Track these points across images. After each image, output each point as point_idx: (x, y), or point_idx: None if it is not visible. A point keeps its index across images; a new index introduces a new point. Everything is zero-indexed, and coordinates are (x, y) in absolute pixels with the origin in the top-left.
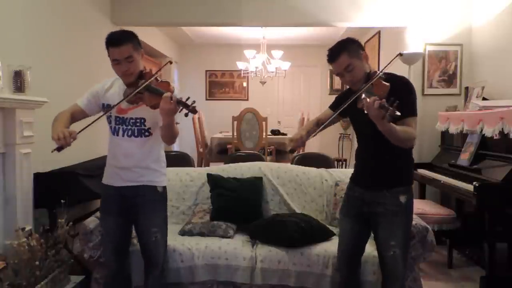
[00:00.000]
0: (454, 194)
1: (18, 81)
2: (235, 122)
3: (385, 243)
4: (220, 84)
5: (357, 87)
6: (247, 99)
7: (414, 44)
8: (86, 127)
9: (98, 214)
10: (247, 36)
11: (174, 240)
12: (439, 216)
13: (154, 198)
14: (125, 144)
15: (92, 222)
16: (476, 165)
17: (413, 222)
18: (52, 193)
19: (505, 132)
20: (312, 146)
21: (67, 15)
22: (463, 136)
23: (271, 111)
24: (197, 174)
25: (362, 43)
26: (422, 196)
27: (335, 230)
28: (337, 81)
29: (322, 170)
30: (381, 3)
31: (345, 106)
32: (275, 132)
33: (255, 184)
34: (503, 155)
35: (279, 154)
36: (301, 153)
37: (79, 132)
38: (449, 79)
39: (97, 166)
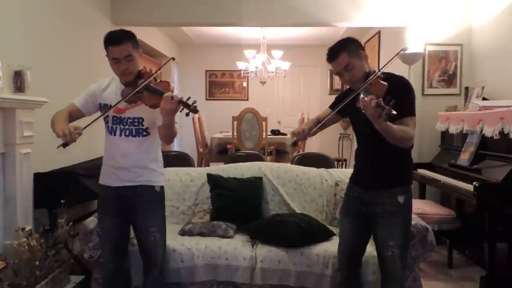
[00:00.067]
0: (454, 194)
1: (18, 81)
2: (235, 122)
3: (384, 243)
4: (220, 84)
5: (356, 87)
6: (247, 99)
7: (414, 44)
8: (91, 123)
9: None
10: (247, 36)
11: (174, 240)
12: (439, 216)
13: (152, 198)
14: (123, 144)
15: (92, 222)
16: (476, 165)
17: (413, 222)
18: (52, 193)
19: (505, 132)
20: (312, 146)
21: (67, 15)
22: (463, 136)
23: (271, 111)
24: (197, 174)
25: (362, 43)
26: (422, 196)
27: (335, 230)
28: (337, 81)
29: (322, 170)
30: (381, 3)
31: (343, 105)
32: (275, 132)
33: (255, 184)
34: (503, 155)
35: (279, 154)
36: (301, 153)
37: (84, 128)
38: (449, 79)
39: (97, 166)
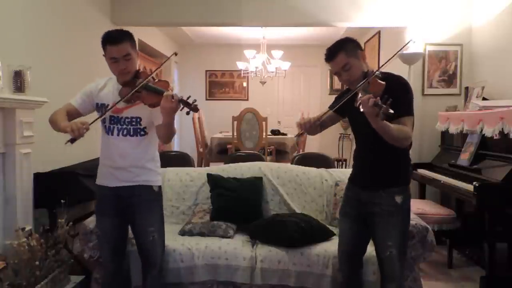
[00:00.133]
0: (454, 194)
1: (18, 81)
2: (235, 122)
3: (382, 243)
4: (220, 84)
5: (354, 86)
6: (247, 99)
7: (414, 44)
8: (97, 119)
9: None
10: (247, 36)
11: (174, 240)
12: (439, 216)
13: (150, 197)
14: (120, 143)
15: (92, 222)
16: (476, 165)
17: (413, 222)
18: (52, 193)
19: (505, 132)
20: (312, 146)
21: (67, 15)
22: (463, 136)
23: (271, 111)
24: (197, 174)
25: (362, 43)
26: (422, 196)
27: (335, 230)
28: (337, 81)
29: (322, 170)
30: (381, 3)
31: (341, 104)
32: (275, 132)
33: (255, 184)
34: (503, 155)
35: (279, 154)
36: (301, 153)
37: (91, 123)
38: (449, 79)
39: (97, 166)
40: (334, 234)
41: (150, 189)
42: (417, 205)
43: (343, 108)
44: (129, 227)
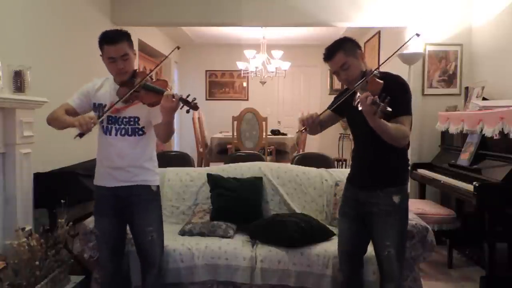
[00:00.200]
0: (454, 194)
1: (18, 81)
2: (235, 122)
3: (380, 243)
4: (220, 84)
5: (353, 86)
6: (247, 99)
7: (414, 44)
8: (103, 114)
9: None
10: (247, 36)
11: (174, 240)
12: (439, 216)
13: (148, 197)
14: (119, 143)
15: (92, 222)
16: (476, 165)
17: (413, 222)
18: (52, 193)
19: (505, 132)
20: (312, 146)
21: (67, 15)
22: (463, 136)
23: (271, 111)
24: (197, 174)
25: (362, 43)
26: (422, 196)
27: (335, 230)
28: (337, 81)
29: (322, 170)
30: (381, 3)
31: (340, 102)
32: (275, 132)
33: (255, 184)
34: (503, 155)
35: (279, 154)
36: (301, 153)
37: (99, 118)
38: (449, 79)
39: None
40: (334, 234)
41: (148, 188)
42: (417, 205)
43: (342, 107)
44: (128, 227)
